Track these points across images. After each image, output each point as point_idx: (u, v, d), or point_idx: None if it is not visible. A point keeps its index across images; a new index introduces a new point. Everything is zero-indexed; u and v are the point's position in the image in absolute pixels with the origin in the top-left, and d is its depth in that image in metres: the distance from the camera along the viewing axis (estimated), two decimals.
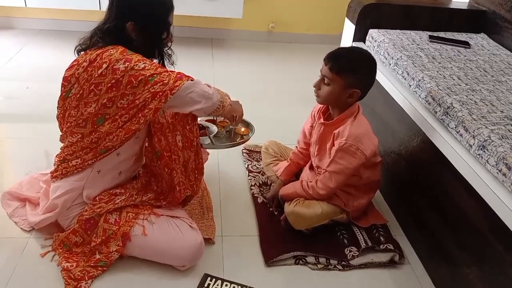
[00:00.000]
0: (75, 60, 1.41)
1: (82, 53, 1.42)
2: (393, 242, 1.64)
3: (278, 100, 2.76)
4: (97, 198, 1.47)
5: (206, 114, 1.49)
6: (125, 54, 1.33)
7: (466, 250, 1.41)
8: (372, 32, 2.19)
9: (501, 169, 1.25)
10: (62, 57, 3.00)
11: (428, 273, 1.59)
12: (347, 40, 2.35)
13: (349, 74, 1.50)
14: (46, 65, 2.89)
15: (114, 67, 1.30)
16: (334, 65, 1.49)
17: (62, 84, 1.42)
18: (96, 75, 1.33)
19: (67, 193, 1.45)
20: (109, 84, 1.32)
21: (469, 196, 1.38)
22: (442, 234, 1.53)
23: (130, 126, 1.36)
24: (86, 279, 1.40)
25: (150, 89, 1.31)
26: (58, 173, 1.46)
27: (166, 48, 1.50)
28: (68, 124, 1.41)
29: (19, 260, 1.47)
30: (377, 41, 2.12)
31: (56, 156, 1.50)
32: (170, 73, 1.35)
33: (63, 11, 3.37)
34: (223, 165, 2.06)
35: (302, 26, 3.71)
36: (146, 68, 1.32)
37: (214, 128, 1.75)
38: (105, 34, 1.38)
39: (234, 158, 2.11)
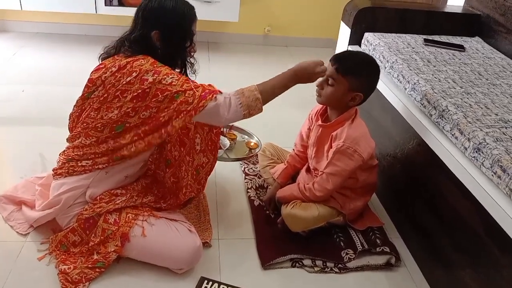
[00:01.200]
0: (102, 63, 1.44)
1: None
2: (389, 245, 1.65)
3: (274, 103, 2.73)
4: (98, 197, 1.47)
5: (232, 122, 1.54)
6: (155, 66, 1.36)
7: (462, 252, 1.42)
8: (368, 36, 2.20)
9: (496, 172, 1.26)
10: (57, 60, 3.00)
11: (424, 275, 1.59)
12: (342, 43, 2.36)
13: (355, 77, 1.51)
14: (41, 68, 2.88)
15: (143, 77, 1.33)
16: (340, 66, 1.51)
17: (86, 85, 1.45)
18: (124, 82, 1.35)
19: (71, 190, 1.45)
20: (135, 93, 1.34)
21: (464, 199, 1.39)
22: (437, 237, 1.54)
23: (152, 140, 1.39)
24: (84, 281, 1.39)
25: (175, 108, 1.34)
26: (63, 170, 1.46)
27: (189, 58, 1.53)
28: (85, 125, 1.42)
29: (14, 264, 1.46)
30: (373, 45, 2.13)
31: (61, 154, 1.51)
32: (195, 90, 1.36)
33: (59, 14, 3.36)
34: (220, 168, 2.05)
35: (298, 29, 3.72)
36: (173, 83, 1.34)
37: (226, 142, 1.81)
38: (133, 43, 1.42)
39: (230, 162, 2.11)
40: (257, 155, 2.04)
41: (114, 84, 1.37)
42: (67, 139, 1.51)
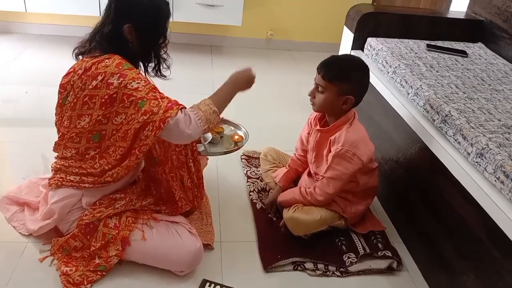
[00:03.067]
0: (71, 67, 1.42)
1: (80, 57, 1.43)
2: (391, 249, 1.65)
3: (276, 107, 2.77)
4: (97, 202, 1.47)
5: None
6: (120, 67, 1.32)
7: (464, 257, 1.42)
8: (371, 41, 2.21)
9: (499, 177, 1.27)
10: (61, 62, 3.00)
11: (426, 280, 1.59)
12: (345, 48, 2.37)
13: (342, 81, 1.52)
14: (45, 69, 2.90)
15: (108, 81, 1.31)
16: (326, 73, 1.52)
17: (59, 91, 1.42)
18: (90, 87, 1.33)
19: (65, 199, 1.44)
20: (103, 100, 1.32)
21: (467, 204, 1.39)
22: (440, 241, 1.54)
23: (129, 164, 1.39)
24: (85, 283, 1.39)
25: (140, 119, 1.31)
26: (53, 181, 1.45)
27: (162, 53, 1.50)
28: (62, 136, 1.42)
29: (17, 265, 1.46)
30: (376, 50, 2.13)
31: (53, 163, 1.50)
32: (160, 101, 1.33)
33: (63, 16, 3.38)
34: (222, 171, 2.06)
35: (301, 34, 3.73)
36: (139, 89, 1.31)
37: (208, 135, 1.75)
38: (103, 39, 1.38)
39: (233, 164, 2.12)
40: (259, 158, 2.04)
41: (81, 88, 1.35)
42: (52, 149, 1.49)
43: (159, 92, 1.38)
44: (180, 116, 1.34)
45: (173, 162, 1.53)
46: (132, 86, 1.31)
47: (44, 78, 2.77)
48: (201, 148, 1.69)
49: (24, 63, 2.97)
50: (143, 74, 1.47)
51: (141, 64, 1.49)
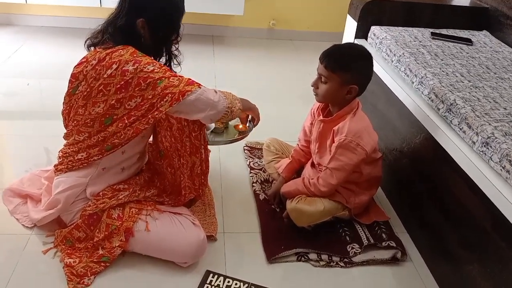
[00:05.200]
0: (84, 57, 1.41)
1: (92, 48, 1.42)
2: (395, 239, 1.64)
3: (279, 97, 2.75)
4: (101, 193, 1.46)
5: (213, 121, 1.47)
6: (135, 55, 1.33)
7: (469, 247, 1.41)
8: (374, 29, 2.18)
9: (505, 166, 1.25)
10: (62, 53, 2.99)
11: (430, 270, 1.58)
12: (349, 37, 2.34)
13: (345, 71, 1.50)
14: (46, 62, 2.88)
15: (124, 68, 1.31)
16: (329, 63, 1.50)
17: (70, 80, 1.42)
18: (105, 76, 1.33)
19: (70, 189, 1.44)
20: (118, 86, 1.32)
21: (472, 193, 1.37)
22: (444, 231, 1.53)
23: (139, 126, 1.36)
24: (89, 275, 1.39)
25: (160, 93, 1.31)
26: (63, 166, 1.46)
27: (174, 49, 1.51)
28: (75, 122, 1.41)
29: (20, 257, 1.46)
30: (379, 38, 2.11)
31: (60, 151, 1.50)
32: (180, 77, 1.35)
33: (64, 8, 3.36)
34: (225, 162, 2.05)
35: (303, 23, 3.70)
36: (155, 71, 1.32)
37: (211, 124, 1.73)
38: (116, 32, 1.37)
39: (236, 155, 2.11)
40: (261, 149, 2.03)
41: (95, 78, 1.34)
42: (63, 137, 1.50)
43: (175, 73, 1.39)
44: (203, 89, 1.36)
45: (186, 148, 1.51)
46: (148, 69, 1.31)
47: (45, 70, 2.76)
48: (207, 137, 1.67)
49: (25, 56, 2.95)
50: None
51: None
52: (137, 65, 1.31)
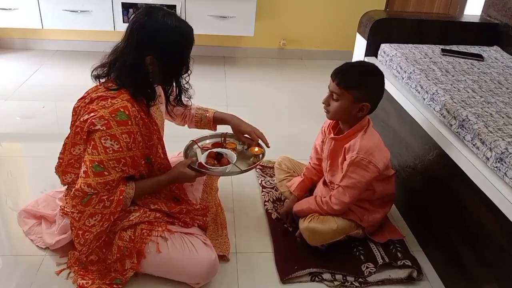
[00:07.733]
0: (86, 92, 1.43)
1: (97, 80, 1.42)
2: (410, 258, 1.61)
3: (290, 116, 2.76)
4: None
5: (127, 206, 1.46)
6: (113, 115, 1.29)
7: (486, 266, 1.37)
8: (384, 47, 2.19)
9: None
10: (77, 77, 3.06)
11: None
12: (359, 55, 2.35)
13: (357, 88, 1.50)
14: (62, 85, 2.95)
15: (93, 120, 1.29)
16: (341, 80, 1.50)
17: (72, 113, 1.44)
18: (81, 119, 1.33)
19: None
20: (85, 136, 1.33)
21: (487, 210, 1.35)
22: (460, 249, 1.50)
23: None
24: None
25: (82, 165, 1.34)
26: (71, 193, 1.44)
27: (184, 83, 1.49)
28: (60, 161, 1.46)
29: (34, 278, 1.47)
30: (389, 56, 2.12)
31: (63, 180, 1.53)
32: (107, 177, 1.32)
33: (78, 32, 3.44)
34: (237, 181, 2.05)
35: (313, 42, 3.73)
36: (107, 151, 1.30)
37: (232, 155, 1.62)
38: (123, 71, 1.35)
39: (248, 174, 2.08)
40: (273, 167, 2.03)
41: (78, 117, 1.36)
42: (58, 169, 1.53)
43: (126, 166, 1.36)
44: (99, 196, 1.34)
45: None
46: (105, 143, 1.30)
47: (60, 93, 2.82)
48: (234, 169, 1.59)
49: (41, 79, 3.03)
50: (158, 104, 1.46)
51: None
52: (104, 128, 1.28)
